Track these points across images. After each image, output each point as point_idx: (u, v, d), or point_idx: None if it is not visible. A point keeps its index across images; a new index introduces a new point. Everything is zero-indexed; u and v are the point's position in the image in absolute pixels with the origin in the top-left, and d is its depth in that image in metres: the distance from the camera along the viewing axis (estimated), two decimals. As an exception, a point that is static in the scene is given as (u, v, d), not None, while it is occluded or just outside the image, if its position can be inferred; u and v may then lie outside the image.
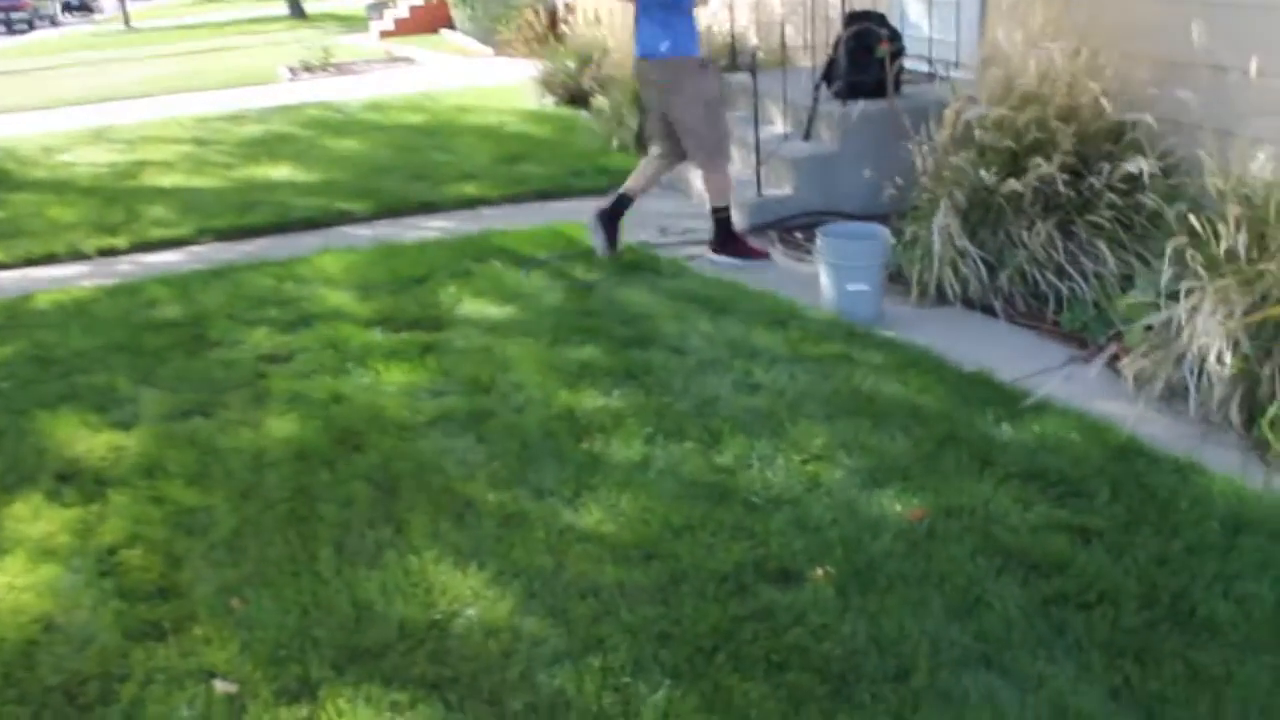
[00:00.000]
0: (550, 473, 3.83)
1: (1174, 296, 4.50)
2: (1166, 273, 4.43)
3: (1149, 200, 4.82)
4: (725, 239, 5.93)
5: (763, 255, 5.92)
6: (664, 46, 5.67)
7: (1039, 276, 5.10)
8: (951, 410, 4.18)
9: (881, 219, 6.04)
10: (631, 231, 6.45)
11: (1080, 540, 3.39)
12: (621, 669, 2.86)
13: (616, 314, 5.18)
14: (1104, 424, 4.07)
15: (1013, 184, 5.09)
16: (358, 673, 2.91)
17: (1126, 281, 4.93)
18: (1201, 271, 4.26)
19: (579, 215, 6.83)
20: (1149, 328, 4.42)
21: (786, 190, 6.44)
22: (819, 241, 5.24)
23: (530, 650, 2.96)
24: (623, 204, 6.03)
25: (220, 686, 2.84)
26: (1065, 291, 5.05)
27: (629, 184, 6.06)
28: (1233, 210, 4.28)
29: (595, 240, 5.94)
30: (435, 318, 5.19)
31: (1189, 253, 4.31)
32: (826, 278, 5.23)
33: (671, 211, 6.94)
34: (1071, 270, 5.05)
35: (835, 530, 3.46)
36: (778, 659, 2.90)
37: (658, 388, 4.43)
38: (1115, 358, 4.67)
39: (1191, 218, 4.30)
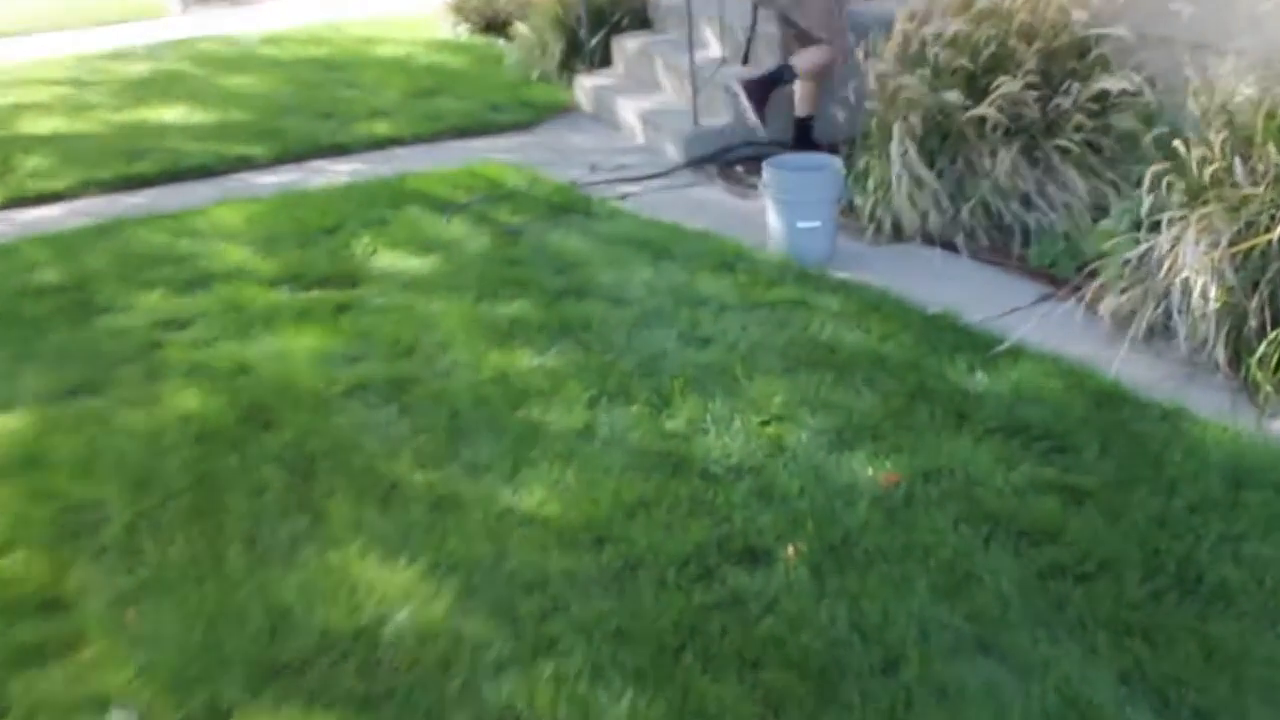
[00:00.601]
0: (485, 446, 3.54)
1: (1154, 227, 4.29)
2: (1145, 201, 4.21)
3: (1123, 122, 4.57)
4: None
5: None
6: None
7: (1003, 208, 4.88)
8: (919, 359, 3.95)
9: (830, 148, 5.79)
10: (559, 169, 6.12)
11: (1072, 502, 3.19)
12: (577, 676, 2.60)
13: (547, 262, 4.88)
14: (1084, 369, 3.88)
15: (978, 109, 4.82)
16: (276, 693, 2.62)
17: (1099, 212, 4.72)
18: (1183, 199, 4.04)
19: (501, 153, 6.49)
20: (1127, 261, 4.20)
21: (725, 119, 6.14)
22: (765, 175, 4.96)
23: (472, 657, 2.69)
24: (781, 77, 5.80)
25: (118, 717, 2.53)
26: (1033, 224, 4.83)
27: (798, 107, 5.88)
28: (1217, 132, 4.05)
29: (744, 108, 5.75)
30: (348, 273, 4.85)
31: (1169, 179, 4.08)
32: (774, 215, 4.96)
33: (600, 147, 6.62)
34: (1039, 200, 4.83)
35: (804, 501, 3.22)
36: (751, 656, 2.66)
37: (598, 344, 4.14)
38: (1089, 294, 4.46)
39: (1176, 142, 4.06)
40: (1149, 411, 3.63)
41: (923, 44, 5.12)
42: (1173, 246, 4.06)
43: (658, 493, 3.28)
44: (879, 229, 5.09)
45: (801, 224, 4.89)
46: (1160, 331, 4.12)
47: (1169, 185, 4.16)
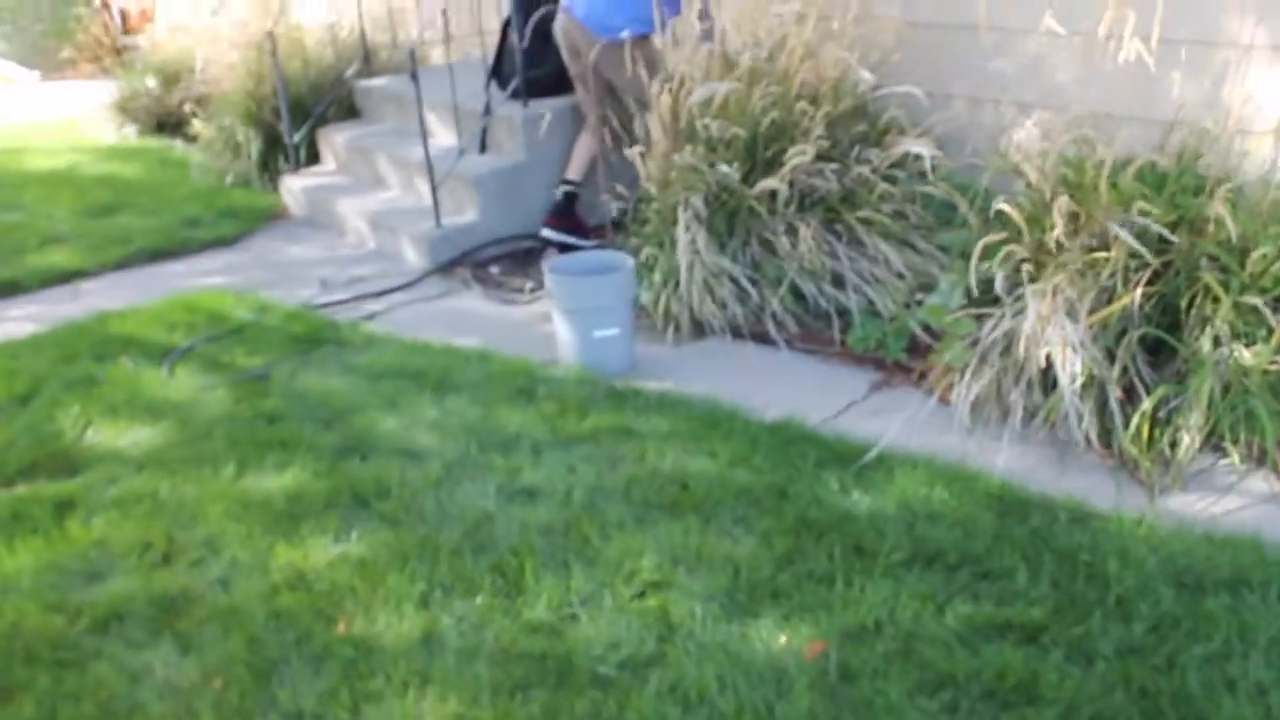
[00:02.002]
0: (304, 684, 2.81)
1: (988, 300, 3.99)
2: (974, 274, 3.90)
3: (930, 188, 4.27)
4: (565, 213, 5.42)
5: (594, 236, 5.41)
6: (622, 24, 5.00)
7: (815, 290, 4.48)
8: (785, 483, 3.49)
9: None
10: (284, 290, 5.35)
11: (1028, 643, 2.80)
12: None
13: (310, 413, 4.13)
14: (962, 471, 3.56)
15: (768, 182, 4.41)
16: None
17: (921, 287, 4.40)
18: (1025, 269, 3.75)
19: (210, 276, 5.65)
20: (974, 341, 3.87)
21: (470, 216, 5.55)
22: (549, 282, 4.40)
23: None
24: (569, 194, 5.44)
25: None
26: (849, 304, 4.44)
27: (570, 170, 5.50)
28: (1051, 190, 3.79)
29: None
30: (61, 456, 3.93)
31: (1006, 248, 3.78)
32: (564, 325, 4.39)
33: (325, 258, 5.88)
34: (851, 277, 4.45)
35: (729, 697, 2.68)
36: None
37: (405, 516, 3.45)
38: (933, 379, 4.12)
39: (1006, 207, 3.76)
40: (1055, 514, 3.31)
41: (690, 115, 4.68)
42: (1017, 321, 3.75)
43: (547, 714, 2.62)
44: (676, 327, 4.61)
45: (598, 333, 4.36)
46: (1014, 412, 3.79)
47: (1007, 255, 3.85)
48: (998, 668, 2.72)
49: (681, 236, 4.60)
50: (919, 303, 4.37)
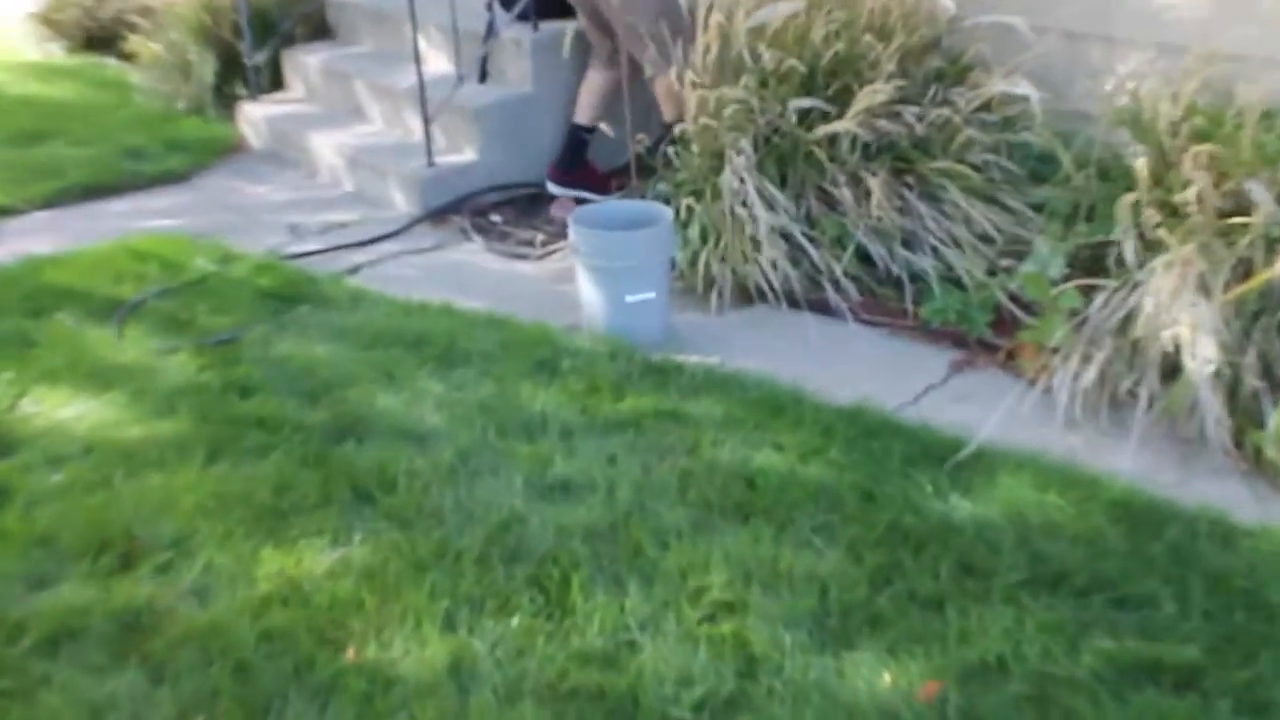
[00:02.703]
0: (308, 725, 2.51)
1: (1093, 269, 3.75)
2: (1078, 237, 3.65)
3: (1032, 137, 4.00)
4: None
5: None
6: None
7: (885, 252, 4.21)
8: (869, 482, 3.25)
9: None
10: (248, 236, 5.09)
11: (1188, 689, 2.58)
12: None
13: (290, 385, 3.85)
14: (1078, 473, 3.35)
15: (835, 124, 4.14)
16: None
17: (1008, 253, 4.13)
18: (1149, 233, 3.50)
19: (158, 218, 5.34)
20: (1081, 320, 3.62)
21: (468, 155, 5.26)
22: (574, 235, 4.11)
23: None
24: (578, 139, 5.14)
25: None
26: (925, 269, 4.18)
27: (579, 112, 5.17)
28: (1185, 144, 3.53)
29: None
30: (-9, 434, 3.62)
31: (1137, 208, 3.53)
32: (591, 287, 4.11)
33: (295, 200, 5.57)
34: (931, 237, 4.18)
35: (833, 752, 2.39)
36: None
37: (415, 514, 3.19)
38: (1010, 357, 3.88)
39: (1140, 162, 3.51)
40: (1193, 527, 3.07)
41: (742, 43, 4.39)
42: (1135, 296, 3.50)
43: (613, 771, 2.36)
44: (718, 292, 4.32)
45: (631, 297, 4.08)
46: (1128, 403, 3.56)
47: (1125, 217, 3.60)
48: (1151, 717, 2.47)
49: (728, 185, 4.32)
50: (1007, 271, 4.12)
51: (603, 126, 5.02)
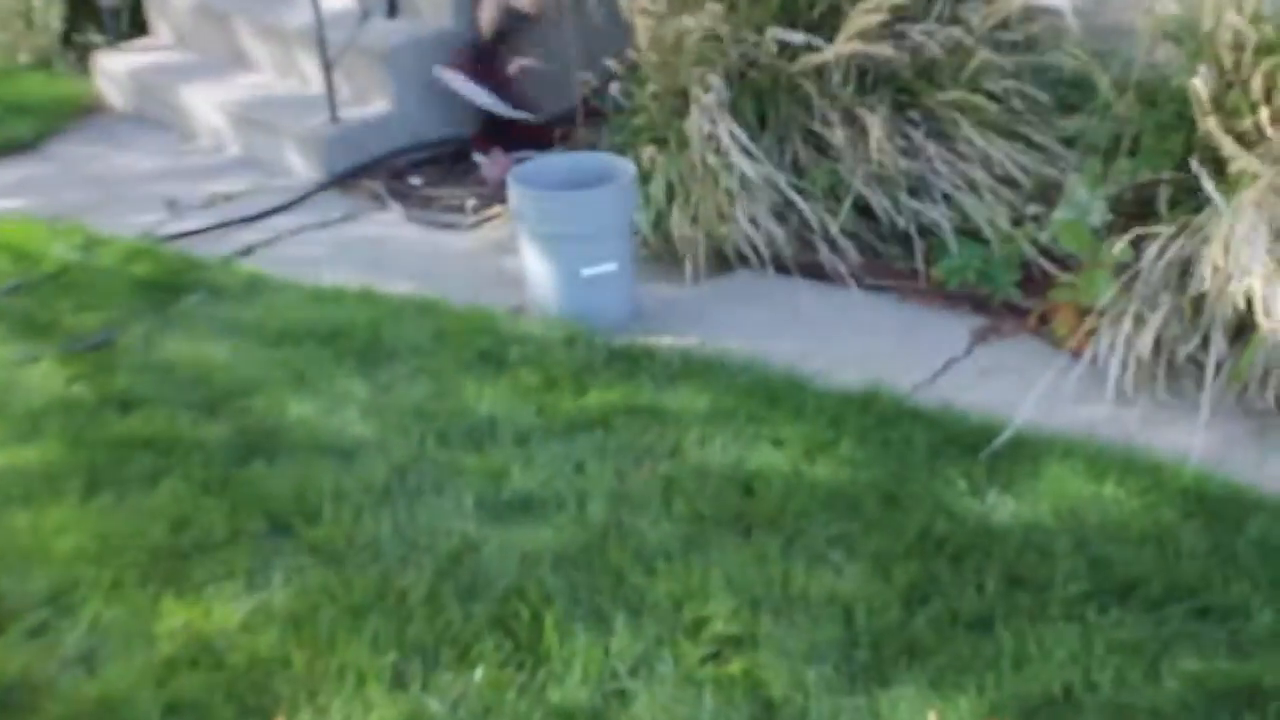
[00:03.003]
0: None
1: (1141, 214, 3.71)
2: (1118, 174, 3.63)
3: (1062, 58, 3.95)
4: None
5: None
6: None
7: (889, 203, 4.15)
8: (891, 482, 3.23)
9: (543, 128, 4.99)
10: (114, 215, 5.00)
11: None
12: None
13: (182, 395, 3.77)
14: (1134, 457, 3.36)
15: (824, 53, 4.07)
16: None
17: (1034, 198, 4.08)
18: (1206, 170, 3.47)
19: (4, 197, 5.18)
20: (1133, 275, 3.59)
21: (379, 106, 5.18)
22: (515, 197, 4.04)
23: None
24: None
25: None
26: (937, 221, 4.13)
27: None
28: (1252, 60, 3.49)
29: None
30: None
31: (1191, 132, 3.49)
32: (538, 259, 4.04)
33: (169, 168, 5.46)
34: (943, 182, 4.12)
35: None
36: None
37: (347, 546, 3.14)
38: (1043, 321, 3.85)
39: (1197, 82, 3.46)
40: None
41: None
42: (1194, 243, 3.47)
43: None
44: (689, 259, 4.25)
45: (589, 270, 4.02)
46: (1186, 370, 3.53)
47: (1190, 148, 3.57)
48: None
49: (696, 130, 4.26)
50: (1035, 219, 4.07)
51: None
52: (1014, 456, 3.32)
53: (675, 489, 3.25)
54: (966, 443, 3.37)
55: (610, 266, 4.04)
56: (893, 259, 4.22)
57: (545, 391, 3.69)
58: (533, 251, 4.07)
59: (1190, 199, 3.75)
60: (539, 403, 3.63)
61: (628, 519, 3.16)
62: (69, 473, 3.44)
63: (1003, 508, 3.13)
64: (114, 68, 6.03)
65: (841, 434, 3.41)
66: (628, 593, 2.94)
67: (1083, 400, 3.56)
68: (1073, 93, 4.26)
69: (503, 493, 3.28)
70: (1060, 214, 3.89)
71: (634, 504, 3.21)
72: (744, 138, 4.20)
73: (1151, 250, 3.60)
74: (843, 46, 4.10)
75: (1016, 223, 4.09)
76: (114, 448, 3.53)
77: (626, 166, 4.10)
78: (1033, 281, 4.06)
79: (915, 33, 4.10)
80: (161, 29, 6.20)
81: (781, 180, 4.20)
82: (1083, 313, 3.82)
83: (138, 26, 6.26)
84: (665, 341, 3.94)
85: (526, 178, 4.11)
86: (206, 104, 5.57)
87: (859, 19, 4.09)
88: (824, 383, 3.68)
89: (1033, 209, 4.13)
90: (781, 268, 4.22)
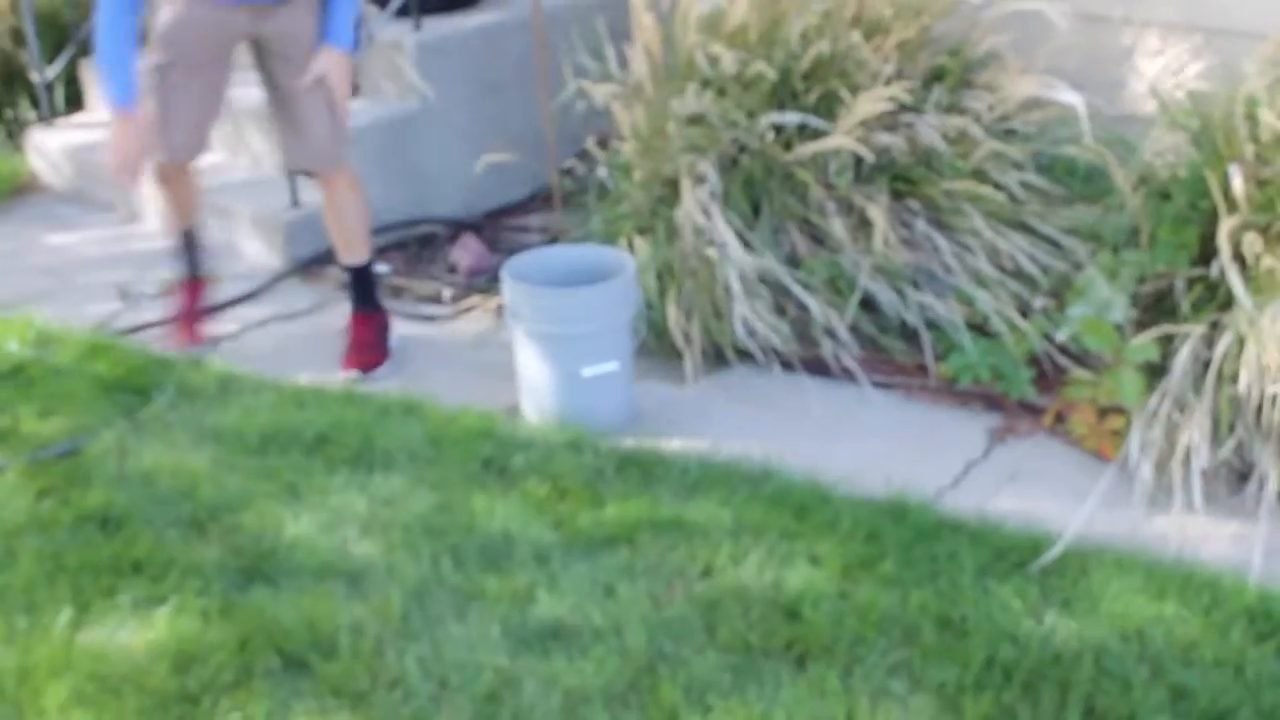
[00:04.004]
0: None
1: (1158, 307, 3.60)
2: (1128, 268, 3.52)
3: (1078, 151, 3.82)
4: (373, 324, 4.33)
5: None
6: None
7: (895, 296, 3.99)
8: (944, 605, 3.07)
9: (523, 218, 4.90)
10: (61, 303, 4.76)
11: None
12: None
13: (165, 511, 3.51)
14: (1189, 572, 3.16)
15: (831, 141, 3.91)
16: None
17: (1041, 289, 3.95)
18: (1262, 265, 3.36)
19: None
20: (1161, 374, 3.46)
21: (341, 190, 4.85)
22: (512, 294, 3.82)
23: None
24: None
25: None
26: (941, 316, 3.97)
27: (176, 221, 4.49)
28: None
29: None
30: None
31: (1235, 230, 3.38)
32: (534, 357, 3.83)
33: (116, 254, 5.18)
34: (951, 275, 3.97)
35: None
36: None
37: (370, 685, 2.90)
38: (1058, 420, 3.71)
39: (1236, 179, 3.34)
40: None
41: (693, 41, 4.15)
42: (1226, 340, 3.36)
43: None
44: (688, 354, 4.05)
45: (589, 370, 3.80)
46: (1218, 473, 3.41)
47: (1204, 244, 3.45)
48: None
49: (688, 220, 4.06)
50: (1043, 313, 3.92)
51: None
52: (1062, 571, 3.15)
53: (716, 615, 3.03)
54: (1012, 558, 3.20)
55: (612, 366, 3.84)
56: (895, 353, 4.04)
57: (558, 502, 3.47)
58: (529, 350, 3.85)
59: (1211, 295, 3.62)
60: (554, 516, 3.40)
61: (670, 648, 2.94)
62: (53, 602, 3.15)
63: (1063, 629, 2.95)
64: (49, 145, 5.74)
65: (880, 550, 3.23)
66: (683, 734, 2.69)
67: (1116, 506, 3.42)
68: (1078, 183, 4.12)
69: (530, 620, 3.04)
70: (1078, 310, 3.74)
71: (674, 632, 2.99)
72: (741, 230, 4.00)
73: (1184, 351, 3.45)
74: (844, 138, 3.91)
75: (1022, 315, 3.92)
76: (100, 573, 3.25)
77: (626, 260, 3.90)
78: (1044, 378, 3.90)
79: (923, 125, 3.92)
80: (99, 105, 5.87)
81: (783, 274, 4.00)
82: (1102, 412, 3.68)
83: (73, 102, 5.95)
84: (674, 445, 3.73)
85: (522, 272, 3.89)
86: (152, 185, 5.26)
87: (864, 107, 3.92)
88: (847, 490, 3.48)
89: (1040, 302, 3.96)
90: (782, 363, 4.01)
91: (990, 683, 2.81)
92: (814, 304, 3.95)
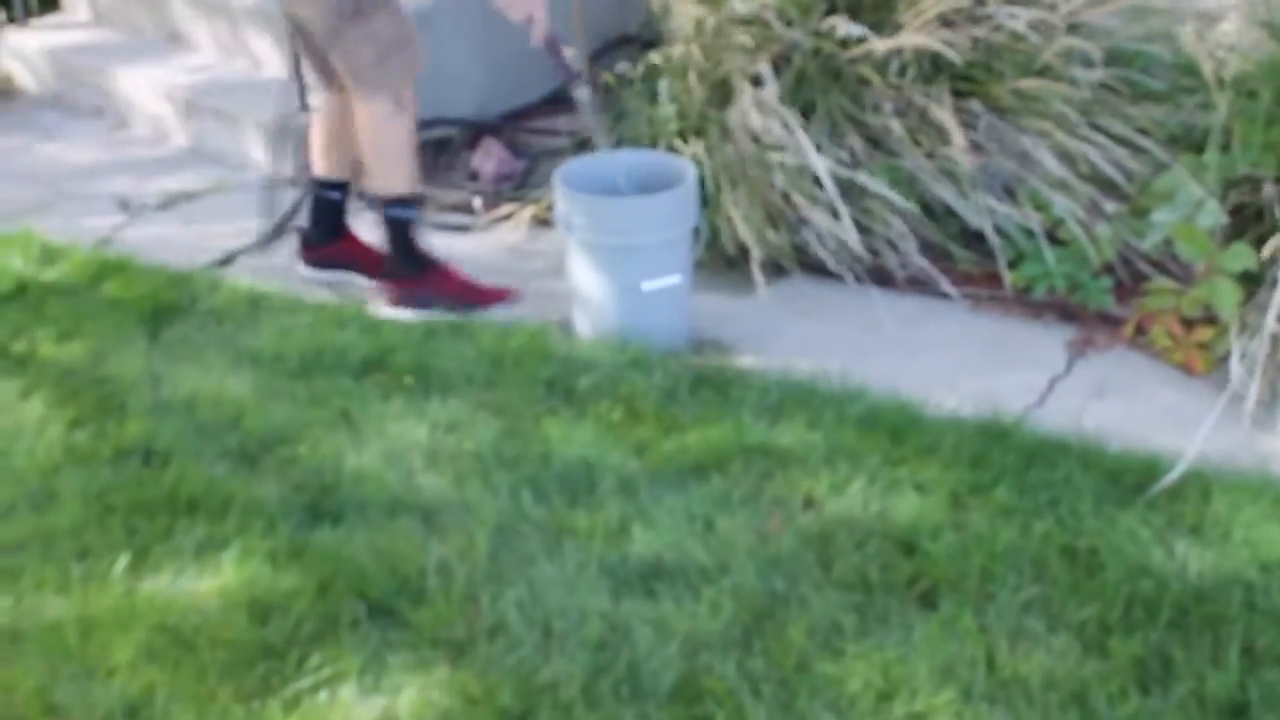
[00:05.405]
0: None
1: (1243, 212, 3.38)
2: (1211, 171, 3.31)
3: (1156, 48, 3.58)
4: (405, 262, 3.89)
5: (501, 298, 3.92)
6: None
7: (962, 201, 3.75)
8: (1069, 535, 2.88)
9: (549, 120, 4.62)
10: (57, 216, 4.43)
11: None
12: None
13: (212, 442, 3.26)
14: None
15: (903, 38, 3.65)
16: None
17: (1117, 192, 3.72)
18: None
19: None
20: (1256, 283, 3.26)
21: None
22: (565, 201, 3.56)
23: None
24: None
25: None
26: (1012, 221, 3.73)
27: (317, 167, 3.97)
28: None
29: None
30: None
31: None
32: (593, 270, 3.57)
33: (109, 161, 4.84)
34: (1022, 179, 3.73)
35: None
36: None
37: (467, 635, 2.63)
38: (1140, 331, 3.50)
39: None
40: None
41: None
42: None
43: None
44: (727, 261, 3.79)
45: (649, 284, 3.52)
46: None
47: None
48: None
49: (741, 123, 3.78)
50: (1118, 219, 3.69)
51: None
52: (1183, 496, 2.93)
53: (829, 549, 2.81)
54: (1127, 482, 2.99)
55: (674, 279, 3.58)
56: (962, 262, 3.80)
57: (633, 427, 3.22)
58: (584, 263, 3.57)
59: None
60: (633, 442, 3.15)
61: (785, 588, 2.71)
62: (107, 547, 2.87)
63: (1198, 561, 2.75)
64: (25, 47, 5.38)
65: (989, 476, 3.01)
66: (819, 683, 2.49)
67: (1219, 425, 3.17)
68: (1151, 81, 3.87)
69: (629, 559, 2.80)
70: (1164, 215, 3.50)
71: (786, 569, 2.76)
72: (804, 132, 3.73)
73: (1285, 258, 3.24)
74: (916, 35, 3.64)
75: (1096, 221, 3.69)
76: (152, 513, 2.96)
77: (686, 167, 3.62)
78: (1120, 287, 3.69)
79: (1003, 15, 3.65)
80: (77, 5, 5.51)
81: (852, 179, 3.74)
82: (1188, 323, 3.46)
83: (47, 2, 5.55)
84: (745, 363, 3.48)
85: (575, 181, 3.60)
86: (144, 88, 4.95)
87: (937, 3, 3.64)
88: (936, 411, 3.24)
89: (1112, 207, 3.73)
90: (842, 272, 3.76)
91: (1134, 622, 2.61)
92: (886, 205, 3.67)
